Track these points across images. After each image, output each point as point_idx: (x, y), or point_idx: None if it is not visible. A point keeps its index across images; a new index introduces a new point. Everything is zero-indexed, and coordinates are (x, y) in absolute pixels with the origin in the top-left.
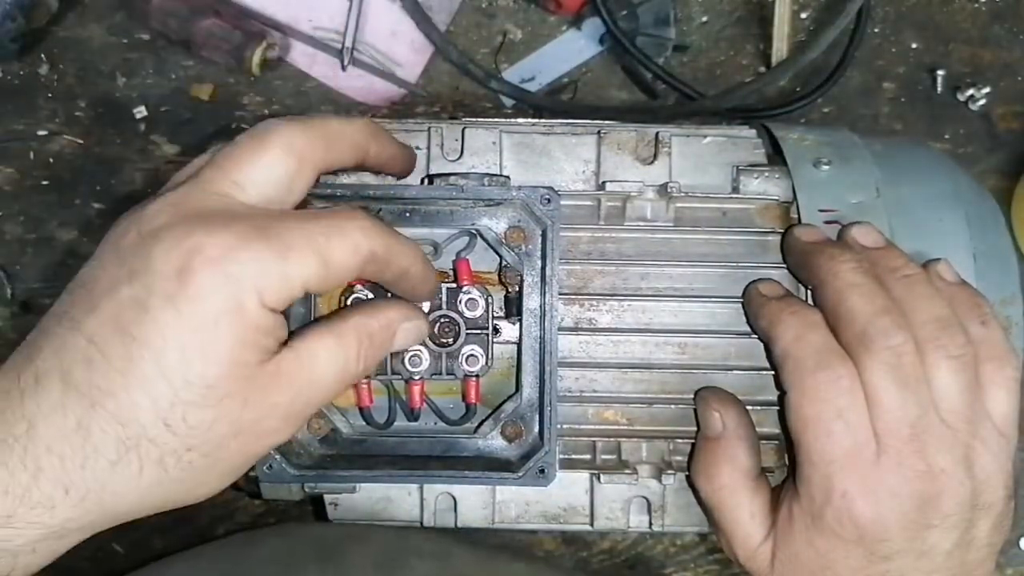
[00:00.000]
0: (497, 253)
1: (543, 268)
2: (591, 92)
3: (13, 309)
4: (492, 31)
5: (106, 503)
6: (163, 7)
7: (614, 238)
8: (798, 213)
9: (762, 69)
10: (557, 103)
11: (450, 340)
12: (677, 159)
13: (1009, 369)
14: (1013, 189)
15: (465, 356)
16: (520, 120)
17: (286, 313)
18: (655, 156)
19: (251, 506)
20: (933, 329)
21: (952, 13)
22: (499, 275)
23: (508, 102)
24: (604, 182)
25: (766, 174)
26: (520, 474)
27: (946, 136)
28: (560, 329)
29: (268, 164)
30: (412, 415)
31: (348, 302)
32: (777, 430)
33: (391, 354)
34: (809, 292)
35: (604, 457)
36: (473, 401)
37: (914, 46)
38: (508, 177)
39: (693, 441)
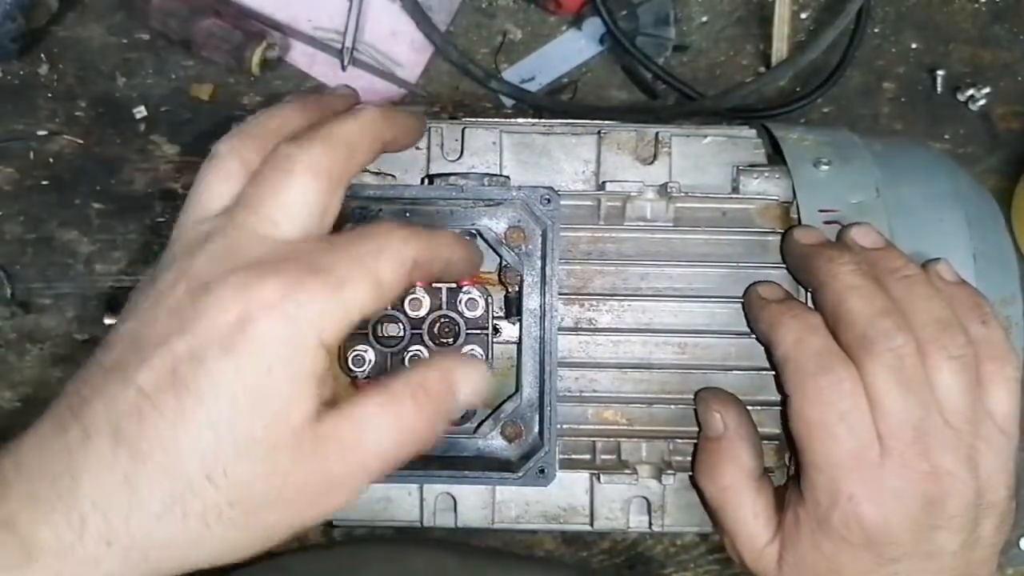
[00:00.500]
0: (497, 253)
1: (543, 268)
2: (591, 92)
3: (13, 309)
4: (492, 31)
5: (150, 557)
6: (163, 7)
7: (614, 238)
8: (798, 213)
9: (762, 69)
10: (557, 103)
11: (450, 340)
12: (677, 159)
13: (1010, 368)
14: (1013, 189)
15: None
16: (520, 120)
17: None
18: (655, 156)
19: None
20: (934, 330)
21: (952, 13)
22: (499, 275)
23: (508, 102)
24: (604, 182)
25: (766, 174)
26: (520, 474)
27: (946, 136)
28: (560, 329)
29: (299, 193)
30: None
31: None
32: (777, 430)
33: (391, 354)
34: (809, 295)
35: (604, 457)
36: None
37: (914, 46)
38: (508, 177)
39: (693, 441)
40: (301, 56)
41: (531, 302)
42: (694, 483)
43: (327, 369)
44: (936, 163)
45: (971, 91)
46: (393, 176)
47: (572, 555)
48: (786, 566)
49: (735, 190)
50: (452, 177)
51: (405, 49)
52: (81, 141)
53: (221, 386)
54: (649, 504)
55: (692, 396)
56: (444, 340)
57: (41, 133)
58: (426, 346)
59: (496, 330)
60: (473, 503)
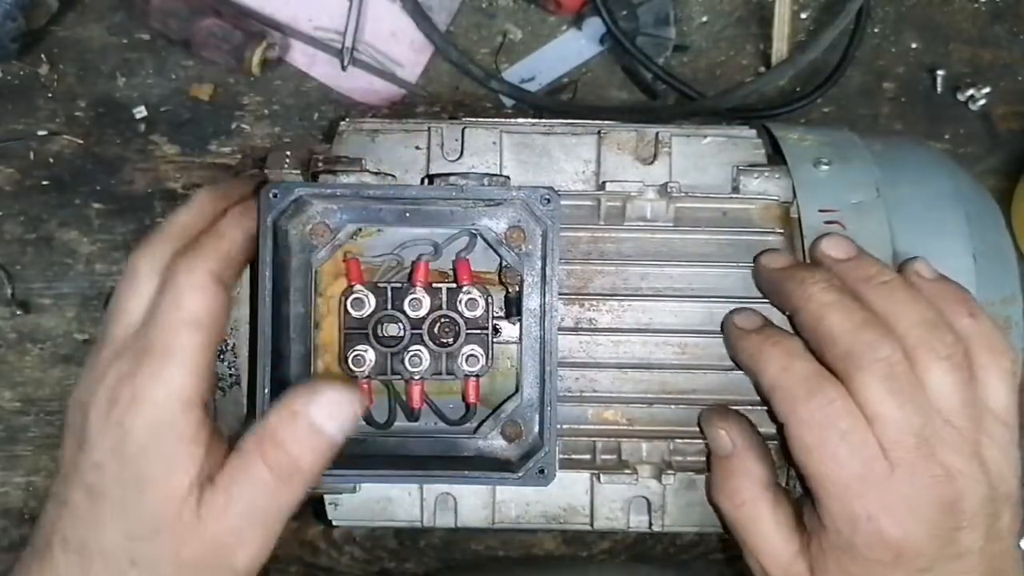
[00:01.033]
0: (497, 253)
1: (543, 268)
2: (591, 92)
3: (13, 309)
4: (492, 31)
5: None
6: (163, 7)
7: (614, 238)
8: (798, 213)
9: (762, 69)
10: (557, 103)
11: (450, 340)
12: (677, 159)
13: (1004, 359)
14: (1013, 189)
15: (465, 356)
16: (520, 120)
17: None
18: (655, 156)
19: None
20: (920, 332)
21: (952, 13)
22: (499, 275)
23: (508, 102)
24: (604, 182)
25: (766, 174)
26: (520, 474)
27: (946, 136)
28: (560, 329)
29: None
30: (412, 415)
31: (349, 303)
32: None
33: (391, 354)
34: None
35: (604, 457)
36: (473, 401)
37: (914, 46)
38: (508, 177)
39: (694, 441)
40: (301, 56)
41: (531, 302)
42: (712, 503)
43: (203, 427)
44: (936, 163)
45: (971, 91)
46: (393, 176)
47: (572, 555)
48: None
49: (735, 190)
50: (452, 177)
51: (405, 49)
52: (81, 141)
53: (112, 479)
54: (649, 504)
55: (692, 396)
56: (444, 340)
57: (41, 133)
58: (426, 346)
59: (496, 330)
60: (473, 503)
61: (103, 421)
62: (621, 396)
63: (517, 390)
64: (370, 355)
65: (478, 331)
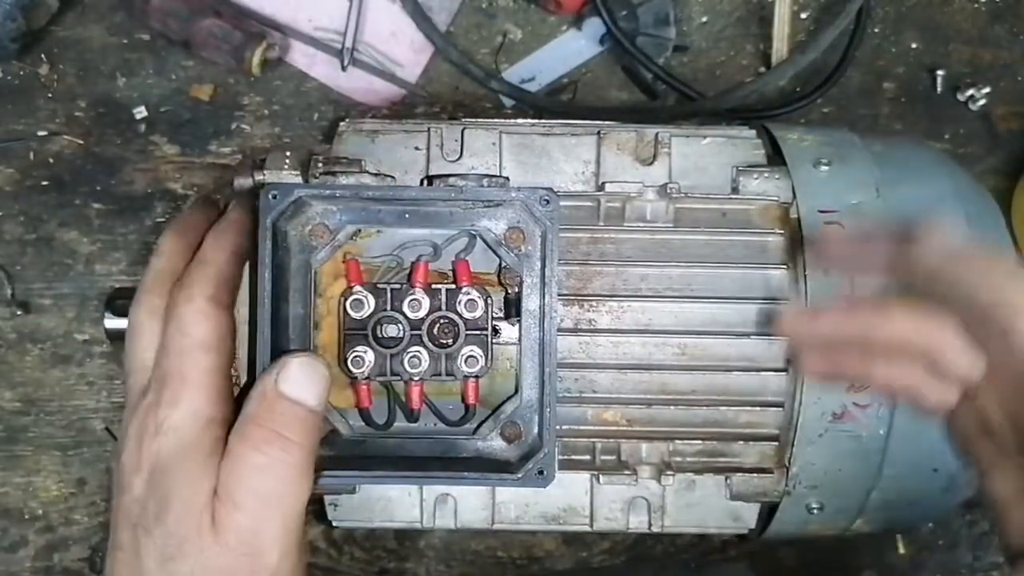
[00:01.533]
0: (496, 254)
1: (542, 269)
2: (591, 92)
3: (13, 309)
4: (492, 31)
5: None
6: (163, 7)
7: (614, 239)
8: (798, 213)
9: (762, 69)
10: (557, 103)
11: (449, 341)
12: (677, 160)
13: None
14: (1013, 189)
15: (464, 357)
16: (520, 121)
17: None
18: (655, 157)
19: None
20: None
21: (952, 13)
22: (498, 276)
23: (508, 102)
24: (604, 183)
25: (766, 174)
26: (519, 475)
27: (946, 136)
28: (559, 330)
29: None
30: (412, 416)
31: (348, 304)
32: (777, 430)
33: (390, 355)
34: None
35: (603, 458)
36: (472, 402)
37: (914, 46)
38: (507, 178)
39: (694, 441)
40: (301, 56)
41: (531, 303)
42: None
43: (222, 443)
44: (936, 163)
45: (971, 91)
46: (393, 177)
47: (572, 555)
48: None
49: (735, 190)
50: (451, 178)
51: (405, 49)
52: (81, 141)
53: (151, 509)
54: (649, 505)
55: (692, 397)
56: (443, 341)
57: (41, 133)
58: (425, 347)
59: (495, 331)
60: (473, 504)
61: (136, 457)
62: (620, 397)
63: (516, 391)
64: (369, 356)
65: (477, 332)
